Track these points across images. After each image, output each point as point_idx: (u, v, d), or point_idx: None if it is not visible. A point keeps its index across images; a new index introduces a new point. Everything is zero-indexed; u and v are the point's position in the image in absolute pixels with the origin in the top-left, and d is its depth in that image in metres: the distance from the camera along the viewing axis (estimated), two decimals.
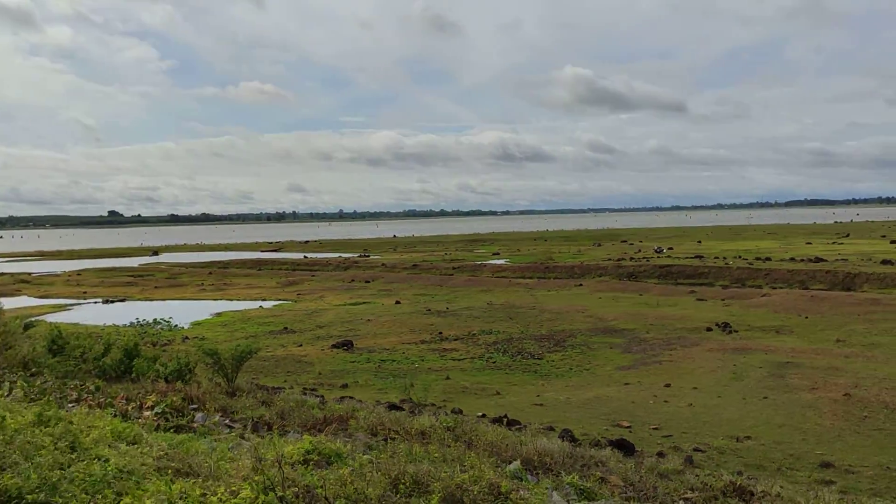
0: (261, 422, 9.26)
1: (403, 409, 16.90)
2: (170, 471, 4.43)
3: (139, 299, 50.96)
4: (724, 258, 56.97)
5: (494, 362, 25.56)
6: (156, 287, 57.73)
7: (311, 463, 5.78)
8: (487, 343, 29.08)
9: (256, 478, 4.46)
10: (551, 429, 15.91)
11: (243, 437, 7.90)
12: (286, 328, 34.54)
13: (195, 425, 8.33)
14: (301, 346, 29.71)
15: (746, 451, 14.24)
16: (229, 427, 8.85)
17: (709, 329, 30.15)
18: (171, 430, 7.79)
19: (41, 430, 4.54)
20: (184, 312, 41.83)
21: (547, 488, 6.50)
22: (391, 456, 7.01)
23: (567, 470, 8.08)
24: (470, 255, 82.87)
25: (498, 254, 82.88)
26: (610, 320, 33.61)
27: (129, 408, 8.62)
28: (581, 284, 49.82)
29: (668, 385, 20.60)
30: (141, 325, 36.25)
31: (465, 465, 6.21)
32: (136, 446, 4.82)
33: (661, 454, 13.77)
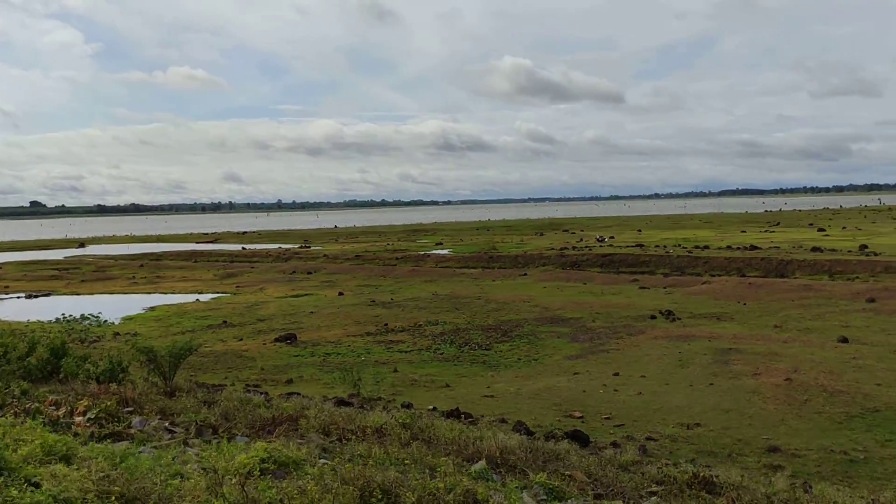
0: (205, 425, 8.66)
1: (353, 405, 16.41)
2: (113, 497, 3.89)
3: (65, 293, 48.77)
4: (665, 247, 58.06)
5: (442, 354, 25.24)
6: (83, 280, 55.37)
7: (268, 474, 5.30)
8: (434, 334, 28.74)
9: (216, 503, 3.96)
10: (504, 421, 15.69)
11: (187, 444, 7.32)
12: (225, 322, 33.48)
13: (132, 431, 7.70)
14: (242, 340, 28.80)
15: (697, 437, 14.31)
16: (170, 432, 8.23)
17: (653, 317, 30.51)
18: (107, 439, 7.16)
19: None
20: (114, 307, 40.19)
21: (517, 489, 6.18)
22: (350, 460, 6.56)
23: (531, 467, 7.79)
24: (413, 245, 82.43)
25: (441, 244, 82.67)
26: (556, 309, 33.70)
27: (60, 414, 7.92)
28: (525, 274, 49.98)
29: (616, 374, 20.65)
30: (67, 321, 34.65)
31: (435, 471, 5.82)
32: (71, 466, 4.24)
33: (615, 444, 13.69)
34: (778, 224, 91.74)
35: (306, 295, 43.18)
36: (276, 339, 28.16)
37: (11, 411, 7.63)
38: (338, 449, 7.76)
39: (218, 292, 46.50)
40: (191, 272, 59.30)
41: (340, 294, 42.68)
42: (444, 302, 37.56)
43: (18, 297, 47.01)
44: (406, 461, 6.67)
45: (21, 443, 4.69)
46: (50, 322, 33.97)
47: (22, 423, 6.95)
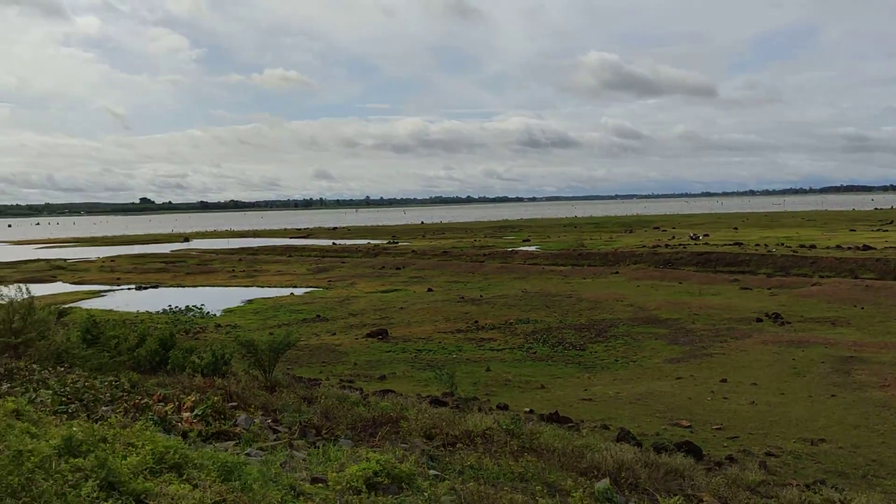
0: (308, 425, 8.49)
1: (448, 405, 16.09)
2: None
3: (171, 286, 50.79)
4: (766, 245, 55.30)
5: (535, 353, 24.66)
6: (187, 273, 57.59)
7: (381, 488, 4.97)
8: (526, 332, 28.17)
9: None
10: (606, 427, 15.01)
11: (292, 446, 7.12)
12: (319, 316, 33.94)
13: (238, 430, 7.57)
14: (335, 334, 29.07)
15: (823, 455, 13.18)
16: (274, 431, 8.08)
17: (759, 320, 28.91)
18: (214, 438, 7.05)
19: (68, 464, 3.76)
20: (215, 299, 41.47)
21: None
22: (461, 472, 6.15)
23: (654, 487, 7.18)
24: (500, 241, 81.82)
25: (528, 240, 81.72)
26: (651, 309, 32.48)
27: (168, 410, 7.87)
28: (617, 272, 48.60)
29: (724, 380, 19.53)
30: (174, 312, 35.92)
31: (554, 488, 5.34)
32: (184, 481, 4.01)
33: (731, 458, 12.78)
34: (892, 223, 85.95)
35: (396, 290, 43.36)
36: (368, 335, 28.27)
37: (122, 406, 7.64)
38: (445, 458, 7.40)
39: (311, 287, 47.35)
40: (285, 266, 60.75)
41: (429, 290, 42.64)
42: (534, 299, 36.89)
43: (129, 289, 49.32)
44: (524, 476, 6.23)
45: (132, 448, 4.51)
46: (157, 313, 35.32)
47: (133, 419, 6.92)
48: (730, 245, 56.75)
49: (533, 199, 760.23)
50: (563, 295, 38.09)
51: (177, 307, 37.27)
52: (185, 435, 6.81)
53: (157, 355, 15.27)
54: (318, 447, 6.94)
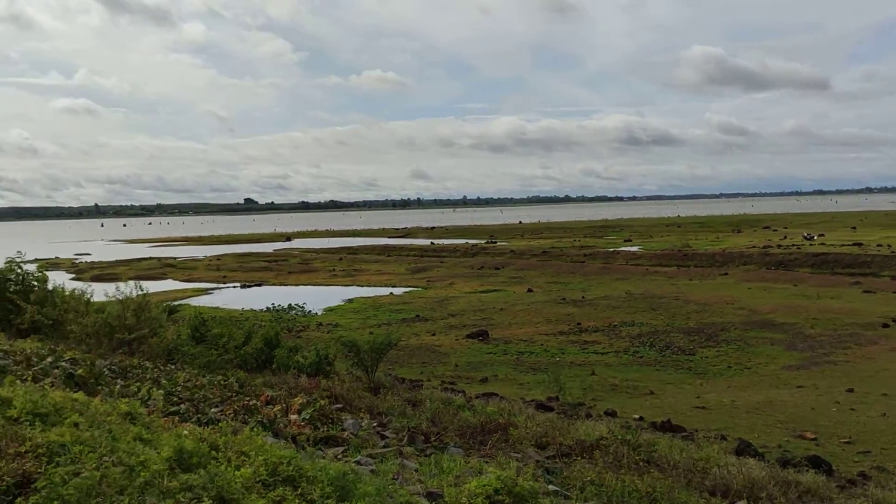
0: (416, 431, 8.23)
1: (553, 409, 15.59)
2: None
3: (274, 284, 52.30)
4: (889, 246, 51.57)
5: (641, 357, 23.70)
6: (289, 272, 59.20)
7: None
8: (631, 336, 27.17)
9: None
10: (723, 438, 14.10)
11: (401, 454, 6.86)
12: (418, 316, 34.00)
13: (346, 434, 7.39)
14: (434, 335, 28.97)
15: None
16: (382, 437, 7.87)
17: (885, 325, 26.78)
18: (323, 443, 6.88)
19: (179, 481, 3.61)
20: (316, 298, 42.29)
21: None
22: (582, 489, 5.69)
23: None
24: (600, 241, 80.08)
25: (630, 240, 79.60)
26: (765, 313, 30.72)
27: (275, 412, 7.78)
28: (726, 273, 46.43)
29: (850, 390, 18.08)
30: (276, 310, 36.83)
31: None
32: (298, 495, 3.78)
33: (863, 476, 11.70)
34: None
35: (495, 291, 42.98)
36: (468, 336, 28.01)
37: (231, 408, 7.60)
38: (562, 471, 6.96)
39: (410, 286, 47.64)
40: (384, 266, 61.51)
41: (529, 291, 42.03)
42: (638, 301, 35.65)
43: (234, 287, 51.17)
44: (653, 496, 5.72)
45: (244, 458, 4.33)
46: (261, 311, 36.32)
47: (242, 421, 6.83)
48: (849, 245, 53.32)
49: (633, 198, 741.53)
50: (668, 297, 36.65)
51: (279, 305, 38.21)
52: (294, 439, 6.67)
53: (262, 354, 15.52)
54: (430, 456, 6.64)
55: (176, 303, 36.83)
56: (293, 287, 50.44)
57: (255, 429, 6.04)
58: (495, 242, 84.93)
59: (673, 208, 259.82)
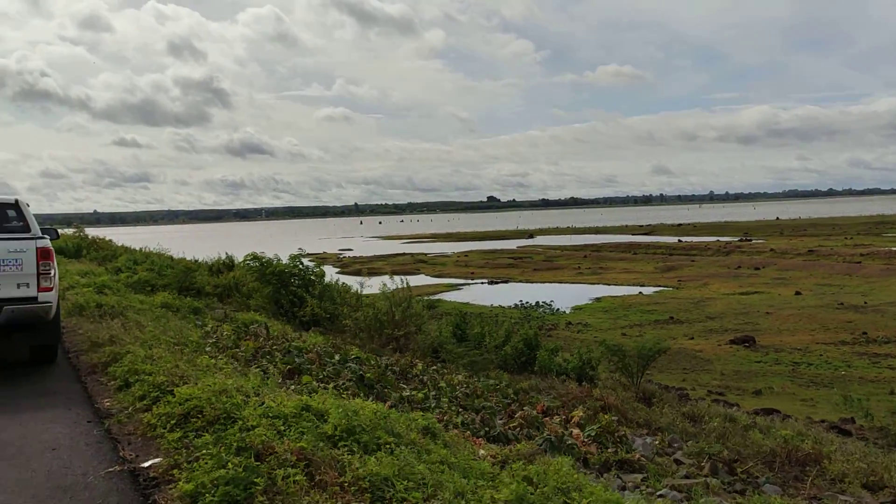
0: (718, 459, 7.21)
1: (851, 434, 13.46)
2: None
3: (520, 281, 52.65)
4: None
5: None
6: (534, 270, 59.33)
7: None
8: None
9: None
10: None
11: (708, 487, 5.92)
12: (672, 318, 32.03)
13: (637, 456, 6.61)
14: (693, 339, 26.99)
15: None
16: (677, 462, 6.97)
17: None
18: (616, 467, 6.18)
19: None
20: (563, 296, 41.74)
21: None
22: None
23: None
24: (878, 240, 70.49)
25: None
26: None
27: (558, 426, 7.20)
28: None
29: None
30: (524, 307, 36.90)
31: None
32: None
33: None
34: None
35: (757, 293, 39.32)
36: (732, 341, 25.72)
37: (517, 421, 7.14)
38: None
39: (659, 286, 45.31)
40: (630, 264, 59.37)
41: (797, 293, 37.86)
42: None
43: (482, 283, 52.37)
44: None
45: (565, 500, 3.73)
46: (509, 308, 36.59)
47: (527, 436, 6.34)
48: None
49: None
50: None
51: (527, 303, 38.23)
52: (585, 461, 6.05)
53: (522, 355, 15.20)
54: (744, 494, 5.65)
55: (428, 298, 38.42)
56: (539, 284, 50.36)
57: (546, 449, 5.51)
58: (750, 240, 78.42)
59: None
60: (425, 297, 29.64)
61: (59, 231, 10.89)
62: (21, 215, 8.39)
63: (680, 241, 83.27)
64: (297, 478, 3.59)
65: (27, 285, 7.52)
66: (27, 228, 8.23)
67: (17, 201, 8.57)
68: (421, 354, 13.67)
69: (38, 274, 7.56)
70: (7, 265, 7.42)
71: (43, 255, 7.64)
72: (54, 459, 4.77)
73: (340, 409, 4.42)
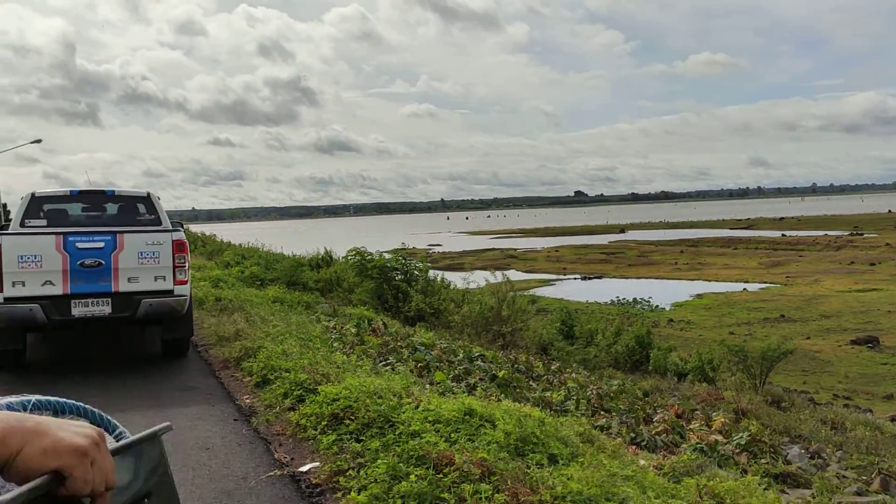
0: (889, 474, 6.62)
1: None
2: None
3: (614, 276, 51.43)
4: None
5: None
6: (629, 265, 57.89)
7: None
8: None
9: None
10: None
11: None
12: (782, 316, 30.46)
13: (794, 469, 6.10)
14: (808, 338, 25.55)
15: None
16: (842, 477, 6.42)
17: None
18: (776, 480, 5.72)
19: None
20: (660, 292, 40.44)
21: None
22: None
23: None
24: None
25: None
26: None
27: (694, 429, 6.77)
28: None
29: None
30: (621, 303, 35.94)
31: None
32: None
33: None
34: None
35: (875, 290, 36.94)
36: (853, 342, 24.19)
37: (662, 426, 6.75)
38: None
39: (765, 282, 43.29)
40: (732, 259, 57.07)
41: None
42: None
43: (575, 279, 51.48)
44: None
45: None
46: (605, 304, 35.74)
47: (672, 442, 5.95)
48: None
49: None
50: None
51: (623, 299, 37.22)
52: (744, 474, 5.61)
53: (634, 354, 14.68)
54: None
55: (523, 293, 37.93)
56: (634, 280, 49.03)
57: (697, 458, 5.12)
58: (861, 234, 74.01)
59: None
60: (521, 293, 29.23)
61: None
62: (153, 208, 8.50)
63: (784, 235, 79.49)
64: (487, 494, 3.30)
65: (164, 278, 7.58)
66: (158, 221, 8.32)
67: (148, 195, 8.71)
68: (528, 350, 13.37)
69: (174, 267, 7.60)
70: (145, 258, 7.49)
71: (178, 247, 7.67)
72: (211, 459, 4.72)
73: (509, 415, 4.16)
